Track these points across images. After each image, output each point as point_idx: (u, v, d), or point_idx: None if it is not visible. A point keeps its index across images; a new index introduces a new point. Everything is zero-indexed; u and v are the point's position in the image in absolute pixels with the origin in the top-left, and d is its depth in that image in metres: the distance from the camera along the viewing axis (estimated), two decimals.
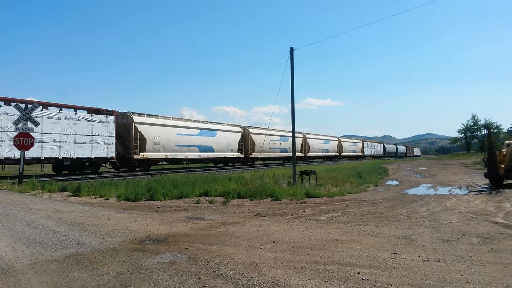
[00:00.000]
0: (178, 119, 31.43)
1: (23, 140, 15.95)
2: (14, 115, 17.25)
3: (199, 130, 32.28)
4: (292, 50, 17.82)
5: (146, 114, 27.65)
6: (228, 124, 38.19)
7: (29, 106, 17.09)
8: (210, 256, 5.43)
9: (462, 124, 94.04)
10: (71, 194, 13.34)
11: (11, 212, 9.22)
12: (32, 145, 16.32)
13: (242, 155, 38.39)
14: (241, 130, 38.92)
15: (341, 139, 68.01)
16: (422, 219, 8.61)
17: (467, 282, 4.35)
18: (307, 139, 53.01)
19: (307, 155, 52.49)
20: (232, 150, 36.74)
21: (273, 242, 6.31)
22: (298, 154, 47.20)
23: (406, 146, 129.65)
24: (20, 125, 16.11)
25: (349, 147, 71.41)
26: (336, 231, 7.29)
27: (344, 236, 6.88)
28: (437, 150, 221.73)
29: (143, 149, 26.04)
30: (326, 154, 59.55)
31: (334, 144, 63.19)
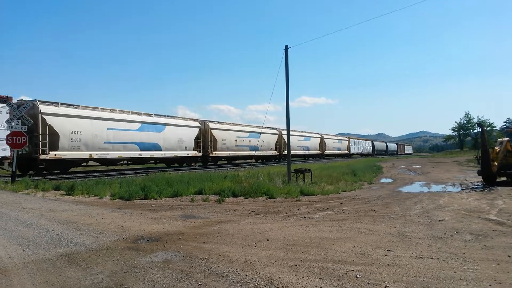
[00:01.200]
0: (110, 110, 25.49)
1: (16, 139, 15.83)
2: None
3: (140, 124, 26.82)
4: (286, 48, 17.80)
5: (61, 103, 22.21)
6: (181, 118, 32.76)
7: (22, 105, 16.95)
8: (205, 254, 5.42)
9: (456, 122, 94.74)
10: (65, 193, 13.27)
11: (4, 211, 9.14)
12: (25, 143, 16.19)
13: (200, 154, 33.05)
14: (199, 125, 33.35)
15: (324, 136, 62.19)
16: (416, 217, 8.65)
17: (461, 279, 4.38)
18: (283, 135, 44.77)
19: (283, 153, 45.85)
20: (186, 148, 31.39)
21: (268, 240, 6.31)
22: (271, 152, 44.42)
23: (397, 144, 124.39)
24: (13, 124, 15.98)
25: (334, 144, 66.35)
26: (330, 229, 7.31)
27: (338, 233, 6.89)
28: (430, 148, 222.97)
29: (55, 147, 20.89)
30: (306, 152, 54.19)
31: (316, 141, 57.92)
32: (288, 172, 17.56)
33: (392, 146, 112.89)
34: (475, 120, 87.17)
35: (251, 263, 5.01)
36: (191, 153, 32.16)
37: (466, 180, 19.58)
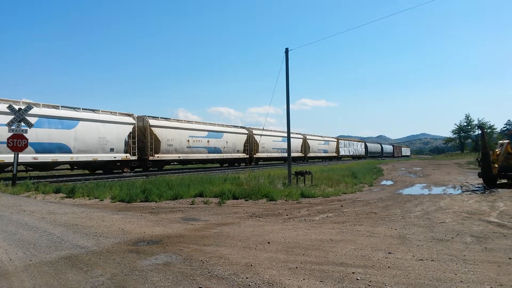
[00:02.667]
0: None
1: (17, 142, 15.84)
2: None
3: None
4: (287, 50, 17.84)
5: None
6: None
7: (23, 107, 16.97)
8: (205, 257, 5.42)
9: (456, 124, 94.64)
10: (65, 195, 13.27)
11: (4, 214, 9.14)
12: (25, 146, 16.20)
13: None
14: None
15: (308, 136, 55.73)
16: (417, 219, 8.65)
17: (461, 281, 4.37)
18: (254, 135, 40.78)
19: (254, 156, 41.07)
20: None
21: (268, 243, 6.31)
22: (238, 155, 38.60)
23: (393, 146, 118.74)
24: (13, 127, 15.99)
25: (319, 146, 59.78)
26: (331, 231, 7.30)
27: (339, 236, 6.89)
28: (431, 150, 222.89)
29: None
30: (284, 155, 42.70)
31: (297, 142, 51.08)
32: (289, 175, 17.56)
33: (388, 148, 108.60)
34: (476, 122, 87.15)
35: (251, 265, 5.01)
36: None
37: (467, 182, 19.57)
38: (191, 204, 11.51)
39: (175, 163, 32.95)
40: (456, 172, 28.28)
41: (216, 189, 13.74)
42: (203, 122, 35.40)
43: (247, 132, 40.32)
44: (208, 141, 33.73)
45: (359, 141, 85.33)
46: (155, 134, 27.82)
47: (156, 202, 11.94)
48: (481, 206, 10.77)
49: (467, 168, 32.84)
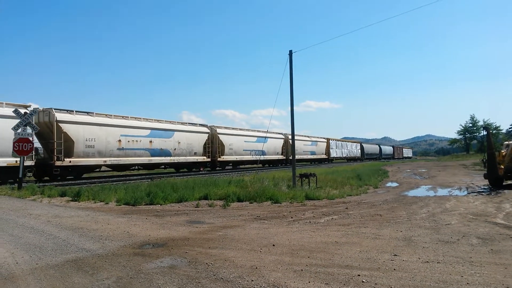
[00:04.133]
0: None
1: (23, 146, 15.95)
2: None
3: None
4: (291, 52, 17.85)
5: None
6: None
7: (28, 111, 17.09)
8: (210, 260, 5.42)
9: (461, 125, 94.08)
10: (71, 199, 13.33)
11: (11, 217, 9.20)
12: (31, 150, 16.31)
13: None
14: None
15: (290, 136, 40.94)
16: (422, 221, 8.61)
17: (467, 283, 4.35)
18: (219, 135, 35.43)
19: (218, 159, 35.12)
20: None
21: (273, 245, 6.30)
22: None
23: (393, 147, 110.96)
24: (19, 130, 16.11)
25: (305, 147, 52.25)
26: (336, 234, 7.28)
27: (344, 238, 6.87)
28: (436, 151, 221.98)
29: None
30: (261, 158, 39.63)
31: (277, 144, 44.66)
32: (293, 177, 17.55)
33: (387, 149, 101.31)
34: (481, 123, 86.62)
35: (256, 268, 5.01)
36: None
37: (473, 183, 19.45)
38: (196, 207, 11.52)
39: (104, 168, 27.35)
40: (461, 174, 28.12)
41: (221, 191, 13.75)
42: (144, 118, 27.88)
43: (208, 130, 33.63)
44: (150, 142, 27.36)
45: (354, 142, 78.41)
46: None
47: (161, 205, 11.97)
48: (487, 207, 10.70)
49: (473, 169, 32.64)
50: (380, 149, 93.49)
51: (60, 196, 14.04)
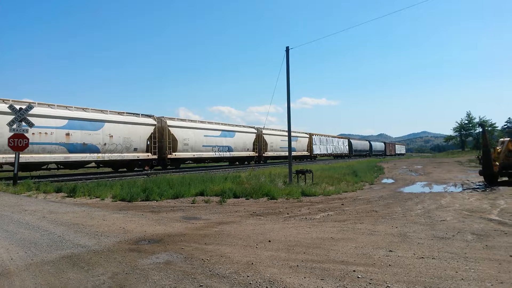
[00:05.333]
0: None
1: (18, 141, 15.87)
2: None
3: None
4: (287, 49, 17.82)
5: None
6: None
7: (23, 107, 16.99)
8: (206, 255, 5.42)
9: (457, 122, 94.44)
10: (66, 195, 13.29)
11: (6, 213, 9.16)
12: (26, 146, 16.23)
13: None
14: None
15: (264, 132, 43.21)
16: (417, 217, 8.65)
17: (462, 279, 4.37)
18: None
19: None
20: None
21: (269, 241, 6.31)
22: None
23: (385, 143, 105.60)
24: (14, 126, 16.02)
25: (282, 143, 44.97)
26: (332, 230, 7.30)
27: (340, 234, 6.89)
28: (432, 148, 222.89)
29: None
30: (226, 154, 36.20)
31: (247, 138, 39.60)
32: (290, 173, 17.57)
33: (378, 146, 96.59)
34: (477, 120, 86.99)
35: (252, 264, 5.01)
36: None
37: (468, 180, 19.55)
38: (192, 203, 11.52)
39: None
40: (457, 170, 28.26)
41: (217, 188, 13.75)
42: (59, 105, 22.57)
43: (154, 122, 28.53)
44: (67, 134, 22.59)
45: (341, 138, 72.67)
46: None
47: (157, 201, 11.95)
48: (482, 204, 10.76)
49: (468, 166, 32.81)
50: (371, 145, 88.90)
51: (55, 192, 14.00)
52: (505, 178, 17.12)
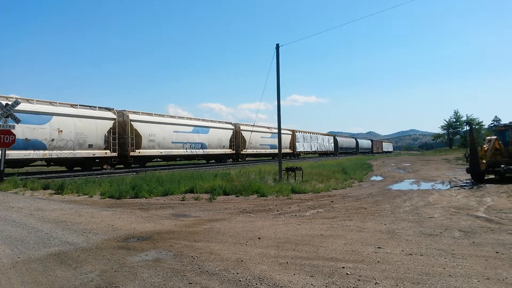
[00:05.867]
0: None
1: (4, 138, 15.62)
2: None
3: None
4: (277, 46, 17.81)
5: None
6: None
7: (9, 102, 16.70)
8: (196, 253, 5.41)
9: (445, 120, 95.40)
10: (54, 192, 13.14)
11: None
12: (13, 142, 15.98)
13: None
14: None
15: (242, 127, 40.25)
16: (406, 214, 8.73)
17: (450, 275, 4.42)
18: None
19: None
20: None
21: (259, 238, 6.32)
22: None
23: (371, 140, 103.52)
24: (0, 122, 15.76)
25: (262, 140, 43.56)
26: (321, 227, 7.33)
27: (329, 231, 6.92)
28: (420, 146, 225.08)
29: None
30: (199, 152, 33.23)
31: (222, 135, 36.57)
32: (279, 171, 17.60)
33: (364, 143, 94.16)
34: (464, 118, 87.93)
35: (242, 261, 5.01)
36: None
37: (455, 177, 19.79)
38: (181, 200, 11.47)
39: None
40: (444, 168, 28.57)
41: (207, 185, 13.71)
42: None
43: (114, 116, 25.26)
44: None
45: (326, 135, 69.50)
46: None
47: (146, 198, 11.88)
48: (469, 201, 10.90)
49: (456, 164, 33.20)
50: (357, 142, 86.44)
51: (43, 189, 13.82)
52: (492, 176, 17.36)
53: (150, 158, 29.19)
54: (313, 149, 59.75)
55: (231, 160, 38.71)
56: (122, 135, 25.90)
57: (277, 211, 9.46)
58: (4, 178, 15.54)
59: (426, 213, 8.88)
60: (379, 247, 5.69)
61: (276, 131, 46.15)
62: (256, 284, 4.17)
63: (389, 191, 14.35)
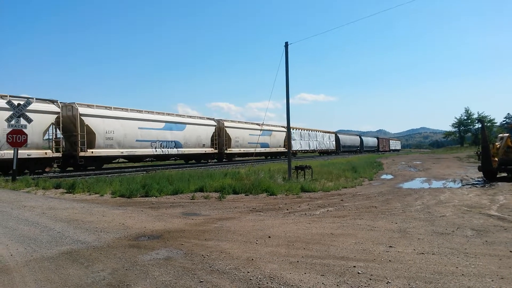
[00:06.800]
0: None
1: (16, 137, 15.82)
2: None
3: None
4: (286, 44, 17.76)
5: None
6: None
7: (21, 103, 16.92)
8: (206, 251, 5.42)
9: (456, 118, 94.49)
10: (66, 191, 13.27)
11: (5, 209, 9.14)
12: (25, 141, 16.19)
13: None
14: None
15: (227, 123, 36.72)
16: (417, 213, 8.65)
17: (462, 274, 4.37)
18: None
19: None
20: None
21: (269, 237, 6.31)
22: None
23: (377, 138, 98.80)
24: (13, 122, 15.97)
25: (251, 137, 38.97)
26: (331, 225, 7.30)
27: (339, 230, 6.89)
28: (431, 144, 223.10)
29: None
30: (174, 151, 29.72)
31: (203, 133, 32.85)
32: (289, 169, 17.57)
33: (370, 141, 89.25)
34: (475, 116, 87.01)
35: (252, 259, 5.01)
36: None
37: (467, 176, 19.58)
38: (191, 199, 11.51)
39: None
40: (456, 166, 28.29)
41: (216, 184, 13.75)
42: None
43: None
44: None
45: (327, 132, 64.19)
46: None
47: (156, 197, 11.94)
48: (481, 199, 10.77)
49: (467, 162, 32.85)
50: (362, 140, 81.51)
51: (54, 188, 13.98)
52: (504, 174, 17.14)
53: (108, 159, 25.46)
54: (312, 148, 55.67)
55: (215, 160, 35.24)
56: (72, 132, 22.80)
57: (287, 209, 9.44)
58: (17, 178, 15.74)
59: (438, 211, 8.79)
60: (391, 246, 5.64)
61: (267, 128, 44.71)
62: (267, 283, 4.16)
63: (400, 189, 14.24)
